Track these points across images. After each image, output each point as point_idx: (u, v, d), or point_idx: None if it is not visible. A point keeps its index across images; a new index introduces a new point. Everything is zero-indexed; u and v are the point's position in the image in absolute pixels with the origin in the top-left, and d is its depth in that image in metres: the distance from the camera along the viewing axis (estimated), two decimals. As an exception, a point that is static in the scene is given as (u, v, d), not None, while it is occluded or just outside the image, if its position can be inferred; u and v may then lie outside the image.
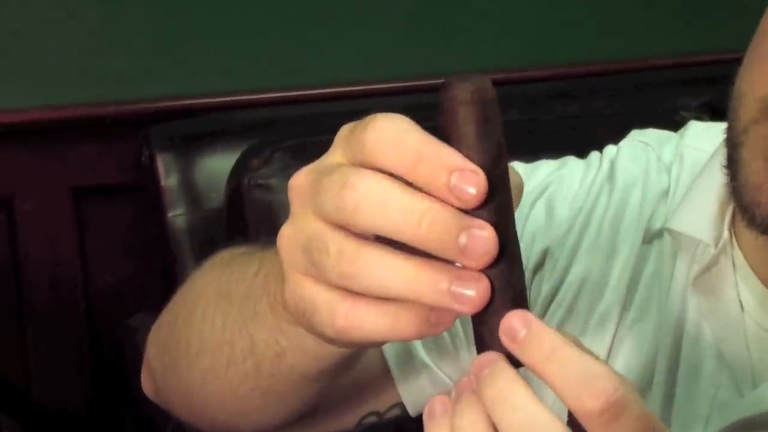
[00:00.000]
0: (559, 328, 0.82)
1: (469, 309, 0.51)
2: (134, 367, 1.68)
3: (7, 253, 1.84)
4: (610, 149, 0.91)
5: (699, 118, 1.11)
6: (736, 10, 1.75)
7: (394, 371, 0.84)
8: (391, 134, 0.52)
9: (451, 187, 0.50)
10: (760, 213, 0.71)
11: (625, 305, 0.82)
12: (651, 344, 0.81)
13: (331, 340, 0.57)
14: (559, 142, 1.10)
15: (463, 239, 0.50)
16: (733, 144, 0.73)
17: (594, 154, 0.92)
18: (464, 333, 0.84)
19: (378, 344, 0.58)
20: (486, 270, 0.52)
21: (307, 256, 0.54)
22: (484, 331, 0.53)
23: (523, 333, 0.50)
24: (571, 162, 0.91)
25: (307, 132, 1.56)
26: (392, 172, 0.51)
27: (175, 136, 1.72)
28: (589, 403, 0.48)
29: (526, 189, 0.88)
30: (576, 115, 1.72)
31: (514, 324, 0.51)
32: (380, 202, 0.51)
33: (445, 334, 0.83)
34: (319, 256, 0.53)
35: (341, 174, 0.52)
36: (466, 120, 0.52)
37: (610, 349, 0.81)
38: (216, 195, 1.64)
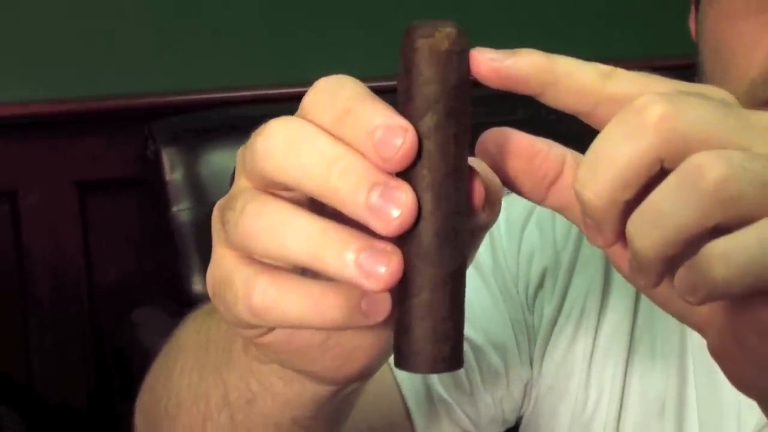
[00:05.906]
0: (569, 346, 0.81)
1: (377, 286, 0.44)
2: (136, 361, 1.68)
3: (10, 246, 1.84)
4: None
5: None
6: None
7: (414, 414, 0.80)
8: (324, 91, 0.47)
9: (375, 142, 0.44)
10: None
11: (635, 310, 0.81)
12: (669, 343, 0.79)
13: (250, 328, 0.51)
14: (574, 133, 1.09)
15: (374, 196, 0.44)
16: None
17: None
18: (480, 373, 0.81)
19: (306, 337, 0.51)
20: (405, 244, 0.45)
21: (221, 215, 0.49)
22: (402, 314, 0.46)
23: None
24: None
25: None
26: (323, 127, 0.46)
27: (180, 131, 1.71)
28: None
29: (515, 212, 0.85)
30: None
31: None
32: (294, 144, 0.46)
33: (462, 373, 0.80)
34: (228, 214, 0.48)
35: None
36: (409, 67, 0.45)
37: (627, 360, 0.80)
38: (221, 190, 1.63)
